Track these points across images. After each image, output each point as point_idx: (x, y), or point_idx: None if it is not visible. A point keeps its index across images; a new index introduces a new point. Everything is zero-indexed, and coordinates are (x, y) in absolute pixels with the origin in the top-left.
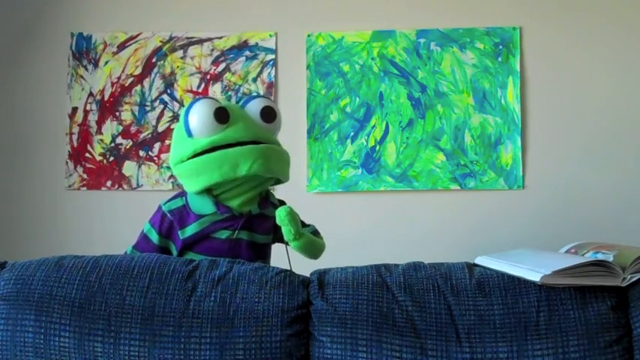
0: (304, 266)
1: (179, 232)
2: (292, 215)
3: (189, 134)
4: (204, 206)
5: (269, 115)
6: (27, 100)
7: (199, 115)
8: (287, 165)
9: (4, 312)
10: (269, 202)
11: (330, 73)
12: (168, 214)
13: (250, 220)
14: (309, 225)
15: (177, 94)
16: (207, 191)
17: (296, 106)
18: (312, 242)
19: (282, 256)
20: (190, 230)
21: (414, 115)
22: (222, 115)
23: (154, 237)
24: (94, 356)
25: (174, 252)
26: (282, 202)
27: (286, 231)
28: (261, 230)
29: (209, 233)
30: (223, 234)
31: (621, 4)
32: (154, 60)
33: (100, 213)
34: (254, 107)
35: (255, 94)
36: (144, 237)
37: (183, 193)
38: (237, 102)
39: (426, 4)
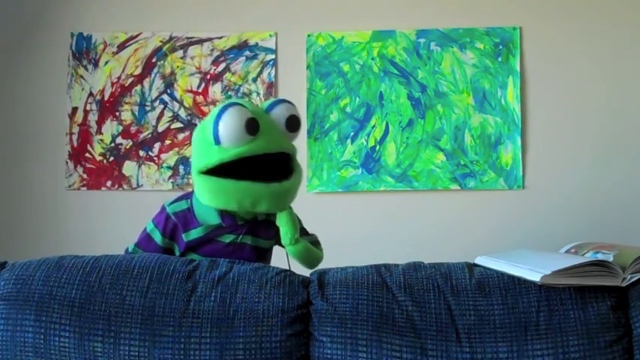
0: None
1: (183, 235)
2: (292, 218)
3: (217, 142)
4: (208, 216)
5: (294, 124)
6: (27, 100)
7: (230, 125)
8: (299, 186)
9: (4, 312)
10: None
11: (330, 73)
12: (173, 217)
13: (255, 225)
14: (311, 234)
15: (178, 94)
16: None
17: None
18: (308, 250)
19: (282, 257)
20: (194, 234)
21: (414, 115)
22: (253, 127)
23: (158, 237)
24: (94, 356)
25: (177, 252)
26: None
27: (284, 233)
28: (266, 236)
29: (213, 237)
30: (227, 238)
31: (621, 4)
32: (154, 60)
33: (100, 213)
34: (280, 114)
35: (279, 98)
36: (147, 236)
37: (188, 195)
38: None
39: (426, 4)
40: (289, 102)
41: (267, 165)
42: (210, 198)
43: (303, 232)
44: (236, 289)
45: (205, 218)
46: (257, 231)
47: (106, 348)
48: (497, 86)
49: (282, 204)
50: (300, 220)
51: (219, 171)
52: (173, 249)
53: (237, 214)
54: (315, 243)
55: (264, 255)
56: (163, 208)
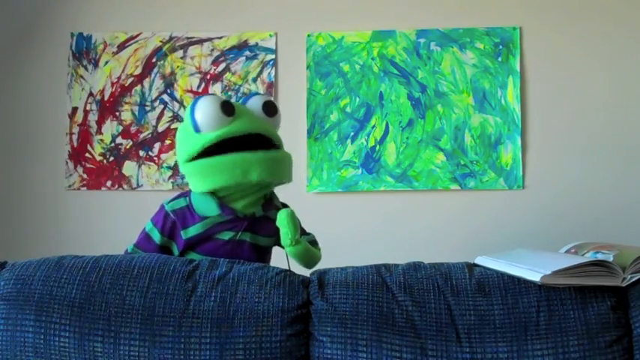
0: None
1: (182, 233)
2: (293, 219)
3: (197, 130)
4: (208, 208)
5: (270, 108)
6: (27, 100)
7: (206, 109)
8: (291, 168)
9: (4, 312)
10: (273, 205)
11: (330, 73)
12: (171, 214)
13: (254, 222)
14: (308, 233)
15: (177, 94)
16: (212, 193)
17: (296, 106)
18: (308, 251)
19: (282, 257)
20: (193, 231)
21: (414, 115)
22: (228, 108)
23: (156, 236)
24: (94, 356)
25: (176, 252)
26: (285, 205)
27: (284, 234)
28: (264, 232)
29: (212, 234)
30: (226, 235)
31: (621, 4)
32: (154, 60)
33: (100, 213)
34: (255, 103)
35: (253, 92)
36: (145, 235)
37: (186, 193)
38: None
39: (426, 4)
40: (264, 94)
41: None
42: (202, 181)
43: (301, 231)
44: (236, 289)
45: (204, 210)
46: (256, 228)
47: (106, 348)
48: (497, 86)
49: (272, 172)
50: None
51: (204, 157)
52: (171, 248)
53: (235, 207)
54: (313, 242)
55: (264, 254)
56: (162, 207)
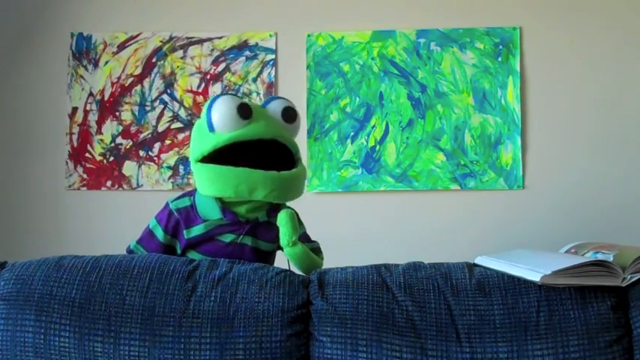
0: None
1: (184, 232)
2: (292, 220)
3: (211, 129)
4: (210, 211)
5: (290, 115)
6: (27, 100)
7: (222, 110)
8: (303, 183)
9: (4, 312)
10: (278, 211)
11: (330, 73)
12: (175, 213)
13: (256, 226)
14: (313, 241)
15: (177, 94)
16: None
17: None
18: (306, 255)
19: (283, 258)
20: (196, 231)
21: (414, 115)
22: (245, 111)
23: (160, 234)
24: (94, 356)
25: (179, 250)
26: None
27: (282, 234)
28: (266, 238)
29: (213, 236)
30: (227, 237)
31: (621, 4)
32: (154, 60)
33: (100, 213)
34: (275, 107)
35: (275, 96)
36: (149, 232)
37: (191, 193)
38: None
39: (426, 4)
40: (286, 98)
41: (266, 158)
42: (207, 186)
43: (306, 238)
44: (236, 289)
45: (207, 213)
46: (257, 232)
47: (106, 348)
48: (497, 86)
49: (280, 194)
50: (303, 226)
51: (217, 159)
52: (174, 246)
53: (238, 211)
54: (316, 250)
55: (266, 259)
56: (167, 205)
